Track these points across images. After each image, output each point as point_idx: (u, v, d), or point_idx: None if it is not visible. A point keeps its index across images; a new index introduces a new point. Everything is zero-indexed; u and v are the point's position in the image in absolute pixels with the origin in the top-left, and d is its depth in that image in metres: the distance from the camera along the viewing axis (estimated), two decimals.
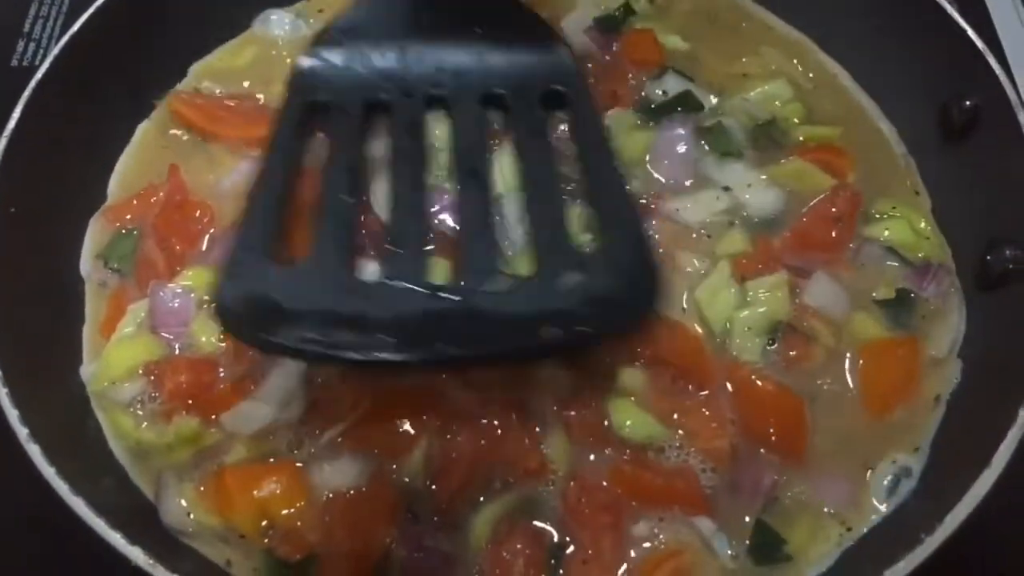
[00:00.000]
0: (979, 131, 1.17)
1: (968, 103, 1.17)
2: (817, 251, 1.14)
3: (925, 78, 1.24)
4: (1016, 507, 0.98)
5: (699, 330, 1.08)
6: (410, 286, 0.96)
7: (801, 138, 1.24)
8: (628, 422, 1.02)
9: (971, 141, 1.18)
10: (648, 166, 1.21)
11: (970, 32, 1.15)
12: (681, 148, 1.21)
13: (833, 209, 1.16)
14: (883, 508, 1.02)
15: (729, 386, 1.05)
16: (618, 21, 1.35)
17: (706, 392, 1.05)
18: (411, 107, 1.11)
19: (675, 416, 1.03)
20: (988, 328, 1.10)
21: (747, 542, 0.99)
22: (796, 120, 1.25)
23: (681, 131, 1.22)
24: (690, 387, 1.05)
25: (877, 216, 1.18)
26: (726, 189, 1.18)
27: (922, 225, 1.19)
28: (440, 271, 1.03)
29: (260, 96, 1.29)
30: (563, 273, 0.98)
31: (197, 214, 1.17)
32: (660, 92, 1.27)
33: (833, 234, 1.16)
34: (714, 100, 1.27)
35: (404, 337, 0.92)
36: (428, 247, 1.05)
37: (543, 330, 0.93)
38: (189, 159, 1.23)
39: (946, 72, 1.20)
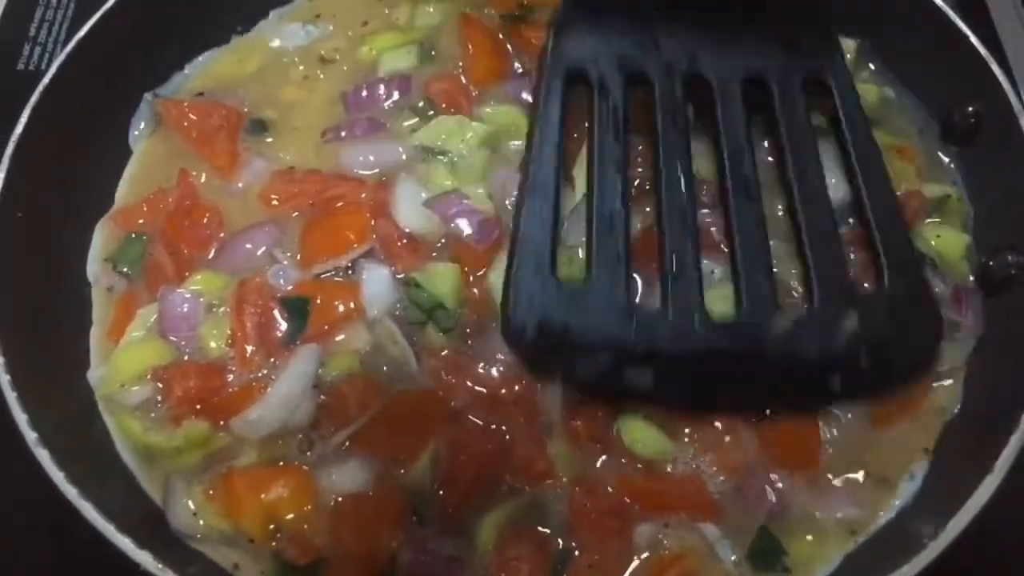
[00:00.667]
0: (982, 137, 1.18)
1: (971, 109, 1.18)
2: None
3: (927, 84, 1.25)
4: (1019, 512, 0.98)
5: None
6: (693, 318, 0.93)
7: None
8: (639, 439, 1.02)
9: (974, 147, 1.19)
10: None
11: (972, 38, 1.15)
12: None
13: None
14: (888, 514, 1.02)
15: None
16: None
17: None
18: (672, 85, 1.02)
19: (687, 430, 1.03)
20: (991, 334, 1.10)
21: (747, 548, 0.99)
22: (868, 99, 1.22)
23: None
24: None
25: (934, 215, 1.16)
26: None
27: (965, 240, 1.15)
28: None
29: (263, 115, 1.28)
30: (844, 313, 0.92)
31: (206, 219, 1.17)
32: None
33: None
34: None
35: (690, 374, 0.92)
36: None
37: (831, 381, 0.91)
38: (198, 162, 1.23)
39: (948, 78, 1.20)
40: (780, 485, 1.00)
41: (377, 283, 1.09)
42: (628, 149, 1.02)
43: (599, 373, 0.90)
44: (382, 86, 1.26)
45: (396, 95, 1.26)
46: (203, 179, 1.22)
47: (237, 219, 1.18)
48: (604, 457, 1.02)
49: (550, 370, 0.94)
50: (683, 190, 0.99)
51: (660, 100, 1.03)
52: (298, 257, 1.13)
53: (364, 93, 1.26)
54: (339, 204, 1.16)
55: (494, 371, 1.05)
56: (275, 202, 1.18)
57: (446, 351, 1.06)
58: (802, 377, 0.92)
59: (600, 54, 1.04)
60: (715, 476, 1.01)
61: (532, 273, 0.96)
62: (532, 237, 0.98)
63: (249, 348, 1.06)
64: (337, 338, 1.08)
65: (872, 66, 1.30)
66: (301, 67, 1.32)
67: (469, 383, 1.05)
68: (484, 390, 1.04)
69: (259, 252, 1.14)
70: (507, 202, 1.12)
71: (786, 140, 1.02)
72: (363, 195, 1.15)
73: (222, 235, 1.17)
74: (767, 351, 0.91)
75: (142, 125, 1.28)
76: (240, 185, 1.21)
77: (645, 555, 0.98)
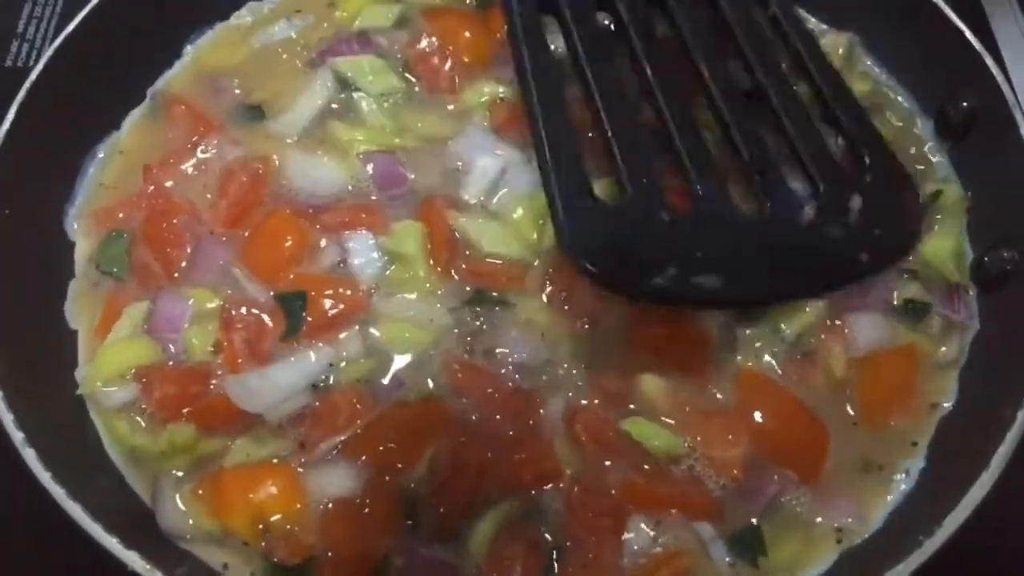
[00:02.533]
0: (976, 132, 1.17)
1: (965, 104, 1.17)
2: None
3: (921, 79, 1.24)
4: (1015, 509, 0.98)
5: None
6: (723, 215, 1.00)
7: None
8: (648, 436, 1.01)
9: (968, 142, 1.18)
10: None
11: (967, 32, 1.15)
12: None
13: None
14: (883, 512, 1.01)
15: (750, 404, 1.03)
16: None
17: (723, 399, 1.04)
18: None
19: (691, 423, 1.02)
20: (985, 329, 1.09)
21: (732, 533, 0.99)
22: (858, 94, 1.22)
23: None
24: (713, 390, 1.04)
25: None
26: None
27: (956, 243, 1.14)
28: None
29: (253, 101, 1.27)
30: (846, 195, 1.02)
31: (176, 220, 1.15)
32: None
33: None
34: None
35: (734, 271, 0.97)
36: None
37: (861, 256, 1.01)
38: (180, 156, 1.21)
39: (942, 73, 1.20)
40: (778, 487, 1.00)
41: (363, 252, 1.10)
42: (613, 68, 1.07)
43: (671, 280, 0.93)
44: (343, 44, 1.27)
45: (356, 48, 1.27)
46: (181, 177, 1.20)
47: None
48: (608, 459, 1.01)
49: (620, 287, 0.96)
50: (678, 98, 1.05)
51: (629, 19, 1.10)
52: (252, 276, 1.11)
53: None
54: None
55: (502, 371, 1.05)
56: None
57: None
58: (834, 257, 1.02)
59: None
60: (715, 474, 1.00)
61: (574, 194, 0.97)
62: (561, 156, 0.99)
63: (243, 364, 1.06)
64: (340, 335, 1.07)
65: (866, 61, 1.29)
66: (285, 57, 1.31)
67: (483, 385, 1.04)
68: (492, 391, 1.03)
69: (221, 265, 1.13)
70: None
71: (747, 47, 1.10)
72: None
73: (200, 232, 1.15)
74: (801, 241, 1.01)
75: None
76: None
77: (639, 553, 0.97)
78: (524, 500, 0.99)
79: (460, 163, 1.17)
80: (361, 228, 1.12)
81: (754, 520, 0.99)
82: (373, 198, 1.15)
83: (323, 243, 1.12)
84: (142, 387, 1.05)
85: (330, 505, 0.99)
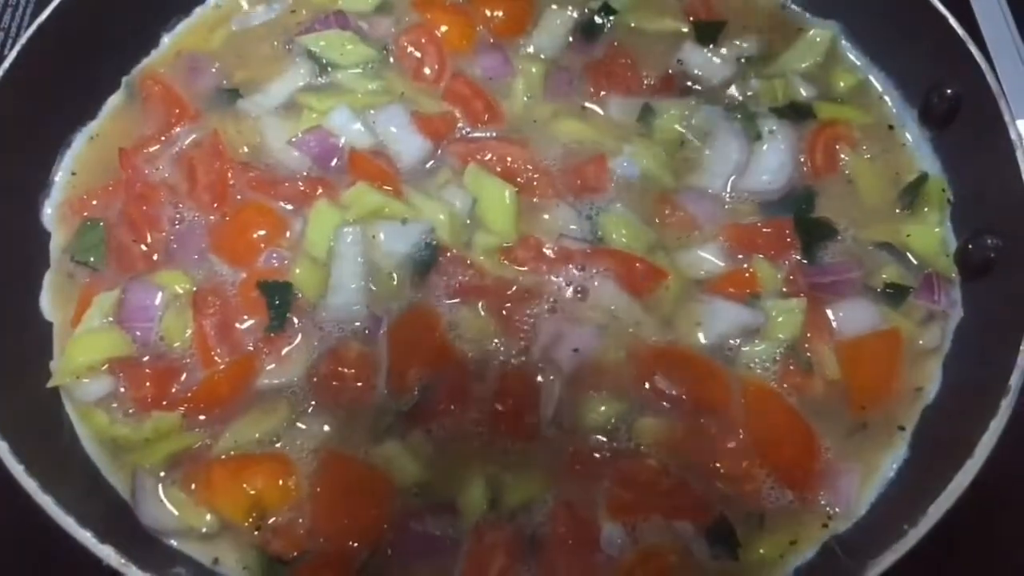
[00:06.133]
0: (960, 119, 1.16)
1: (949, 92, 1.16)
2: None
3: (905, 67, 1.24)
4: (998, 497, 0.97)
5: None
6: None
7: (822, 115, 1.22)
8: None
9: (952, 130, 1.17)
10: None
11: (951, 20, 1.14)
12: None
13: None
14: (868, 501, 1.01)
15: (744, 409, 1.03)
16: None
17: (724, 422, 1.02)
18: None
19: (700, 453, 1.01)
20: (969, 318, 1.09)
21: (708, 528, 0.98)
22: (843, 84, 1.25)
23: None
24: (713, 430, 1.02)
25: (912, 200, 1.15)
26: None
27: (938, 231, 1.14)
28: None
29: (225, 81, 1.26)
30: None
31: (157, 202, 1.15)
32: (677, 61, 1.27)
33: None
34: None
35: None
36: None
37: None
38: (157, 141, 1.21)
39: (926, 61, 1.19)
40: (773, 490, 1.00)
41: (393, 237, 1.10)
42: None
43: None
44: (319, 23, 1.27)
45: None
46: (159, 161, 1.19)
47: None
48: (593, 482, 1.00)
49: None
50: None
51: None
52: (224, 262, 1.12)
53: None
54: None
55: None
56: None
57: None
58: None
59: None
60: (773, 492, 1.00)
61: None
62: None
63: (215, 349, 1.05)
64: None
65: (850, 50, 1.29)
66: (264, 40, 1.30)
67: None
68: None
69: (203, 248, 1.13)
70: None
71: None
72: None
73: (178, 216, 1.15)
74: None
75: (103, 106, 1.26)
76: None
77: (620, 549, 0.96)
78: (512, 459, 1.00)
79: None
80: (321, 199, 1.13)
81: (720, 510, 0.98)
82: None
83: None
84: (117, 381, 1.04)
85: (320, 485, 0.99)
